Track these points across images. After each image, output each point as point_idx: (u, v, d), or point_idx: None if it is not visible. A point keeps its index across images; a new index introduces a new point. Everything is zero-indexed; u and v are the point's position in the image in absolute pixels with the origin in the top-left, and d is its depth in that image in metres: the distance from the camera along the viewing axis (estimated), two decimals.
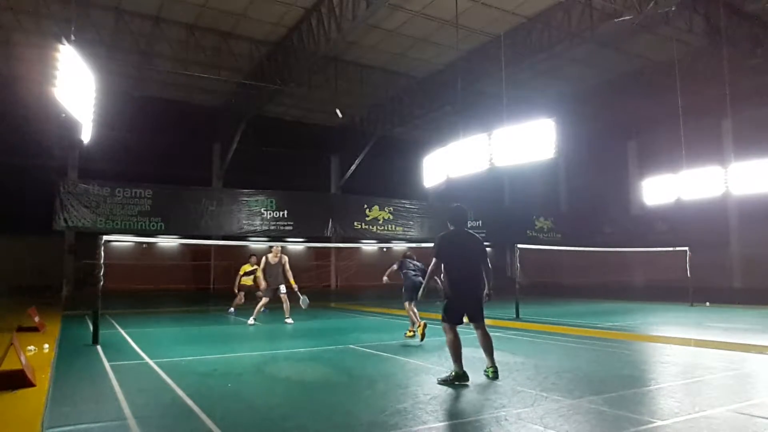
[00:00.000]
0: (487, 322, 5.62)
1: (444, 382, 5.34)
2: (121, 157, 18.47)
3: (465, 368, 5.38)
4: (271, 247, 12.25)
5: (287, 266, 11.58)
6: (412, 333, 8.79)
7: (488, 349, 5.57)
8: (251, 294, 13.89)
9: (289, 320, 11.56)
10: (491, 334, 5.61)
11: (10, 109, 16.53)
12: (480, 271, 5.53)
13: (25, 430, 4.02)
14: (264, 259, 11.87)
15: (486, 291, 5.56)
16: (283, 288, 11.53)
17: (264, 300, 11.61)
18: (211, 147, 22.14)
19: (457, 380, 5.31)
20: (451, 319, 5.49)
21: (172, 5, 14.12)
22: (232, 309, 14.25)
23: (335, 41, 14.04)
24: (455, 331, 5.49)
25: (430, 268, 5.69)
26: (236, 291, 14.24)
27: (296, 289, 11.42)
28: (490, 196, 25.34)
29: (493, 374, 5.52)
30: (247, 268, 14.16)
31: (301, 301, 11.23)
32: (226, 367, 6.52)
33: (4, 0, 13.26)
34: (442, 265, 5.54)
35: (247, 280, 14.16)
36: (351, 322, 12.98)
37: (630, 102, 19.90)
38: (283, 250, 12.21)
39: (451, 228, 5.70)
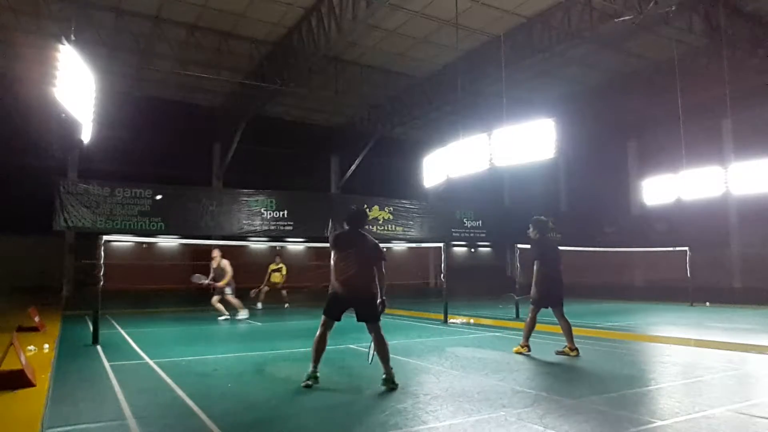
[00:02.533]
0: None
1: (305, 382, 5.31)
2: (121, 157, 18.45)
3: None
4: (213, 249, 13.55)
5: (224, 267, 13.02)
6: (527, 349, 7.34)
7: (382, 356, 5.31)
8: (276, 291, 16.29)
9: (243, 315, 12.92)
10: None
11: (10, 109, 16.50)
12: (371, 273, 5.34)
13: (25, 430, 4.02)
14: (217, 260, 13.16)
15: (379, 298, 5.33)
16: (228, 290, 12.82)
17: (216, 298, 13.02)
18: (211, 147, 22.11)
19: (308, 380, 5.27)
20: (327, 314, 5.41)
21: (172, 5, 14.11)
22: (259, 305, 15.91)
23: (335, 41, 14.03)
24: (323, 329, 5.38)
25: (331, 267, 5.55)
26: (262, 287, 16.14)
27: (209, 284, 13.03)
28: (490, 196, 25.32)
29: (386, 383, 5.18)
30: (273, 266, 16.35)
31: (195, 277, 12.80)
32: (226, 367, 6.53)
33: (4, 0, 13.25)
34: (333, 261, 5.43)
35: (277, 277, 16.28)
36: (351, 322, 12.94)
37: (630, 102, 19.89)
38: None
39: (346, 228, 5.65)
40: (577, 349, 7.07)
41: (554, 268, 7.24)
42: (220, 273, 13.02)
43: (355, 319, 5.42)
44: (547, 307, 7.23)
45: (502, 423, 4.05)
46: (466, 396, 4.90)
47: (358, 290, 5.31)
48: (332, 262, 5.44)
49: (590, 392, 5.01)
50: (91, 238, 9.68)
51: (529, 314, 7.31)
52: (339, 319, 5.43)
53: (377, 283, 5.34)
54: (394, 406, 4.57)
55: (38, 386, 5.33)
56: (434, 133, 22.59)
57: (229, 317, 12.86)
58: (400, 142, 24.23)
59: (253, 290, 15.56)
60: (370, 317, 5.35)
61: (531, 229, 7.44)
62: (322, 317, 5.45)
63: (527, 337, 7.30)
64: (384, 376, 5.25)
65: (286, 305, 16.01)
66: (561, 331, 7.29)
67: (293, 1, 13.91)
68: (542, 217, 7.53)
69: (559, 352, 7.17)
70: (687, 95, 14.78)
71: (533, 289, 7.22)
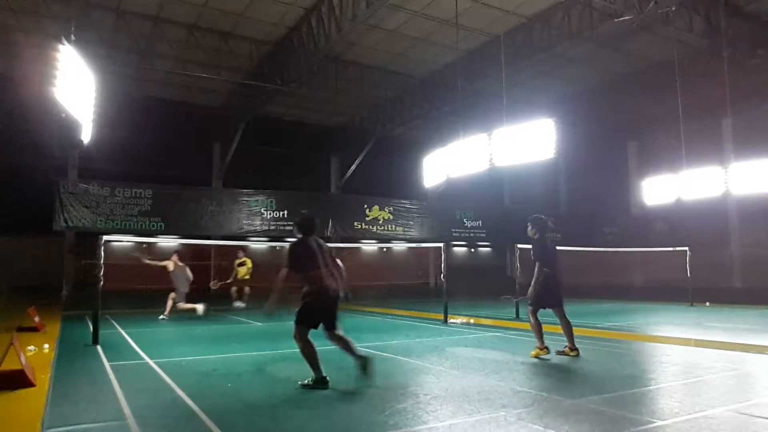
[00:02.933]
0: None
1: (305, 386, 5.25)
2: (121, 157, 18.45)
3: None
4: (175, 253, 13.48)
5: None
6: (545, 351, 7.08)
7: (350, 349, 5.39)
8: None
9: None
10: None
11: (10, 109, 16.51)
12: (335, 275, 5.43)
13: (25, 430, 4.02)
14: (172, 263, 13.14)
15: (343, 293, 5.41)
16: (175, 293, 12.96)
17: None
18: (211, 147, 22.12)
19: (318, 385, 5.22)
20: (308, 324, 5.30)
21: (172, 5, 14.12)
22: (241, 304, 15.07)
23: (335, 41, 14.04)
24: (306, 338, 5.29)
25: (279, 276, 5.35)
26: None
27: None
28: (490, 196, 25.33)
29: (363, 365, 5.30)
30: (237, 261, 15.12)
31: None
32: (226, 367, 6.53)
33: (4, 0, 13.26)
34: (303, 273, 5.31)
35: (242, 271, 14.99)
36: (351, 322, 12.98)
37: (630, 102, 19.90)
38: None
39: (300, 236, 5.52)
40: (577, 349, 7.05)
41: (555, 267, 7.11)
42: (176, 275, 13.02)
43: (323, 327, 5.39)
44: (545, 308, 7.12)
45: (502, 423, 4.05)
46: (466, 396, 4.90)
47: (332, 293, 5.33)
48: (301, 271, 5.31)
49: (590, 392, 5.01)
50: (91, 238, 9.68)
51: (530, 317, 7.14)
52: (316, 328, 5.36)
53: (339, 282, 5.45)
54: (394, 406, 4.56)
55: (38, 386, 5.33)
56: (434, 133, 22.59)
57: (199, 312, 12.91)
58: (400, 142, 24.24)
59: (212, 282, 14.91)
60: (334, 321, 5.37)
61: (530, 228, 7.33)
62: (297, 327, 5.30)
63: (541, 339, 7.06)
64: (360, 364, 5.31)
65: (243, 305, 14.85)
66: (561, 331, 7.26)
67: (293, 1, 13.91)
68: (541, 216, 7.38)
69: (559, 352, 7.15)
70: (687, 95, 14.76)
71: (531, 290, 7.06)
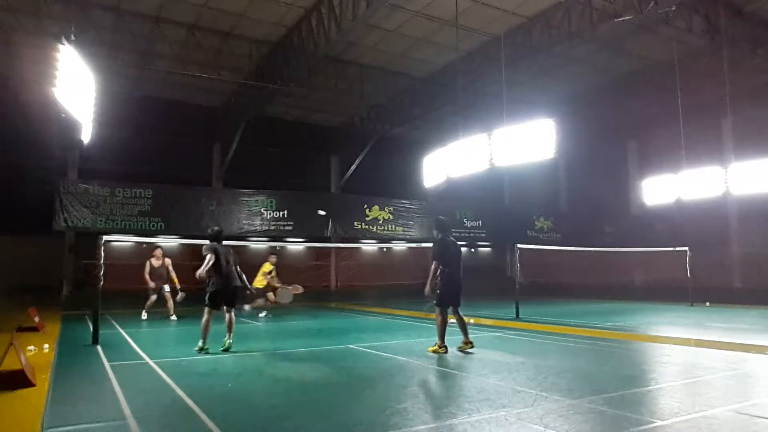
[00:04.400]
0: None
1: (198, 351, 7.32)
2: (121, 157, 18.43)
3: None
4: (156, 249, 13.24)
5: (170, 267, 12.97)
6: (443, 350, 7.29)
7: (230, 328, 7.69)
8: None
9: (173, 317, 12.62)
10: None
11: (10, 109, 16.51)
12: (234, 271, 7.76)
13: (25, 430, 4.03)
14: (148, 262, 12.91)
15: (242, 284, 7.83)
16: (167, 287, 12.81)
17: (152, 298, 12.77)
18: (211, 147, 22.11)
19: (205, 351, 7.34)
20: (216, 306, 7.52)
21: (172, 5, 14.12)
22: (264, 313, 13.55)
23: (335, 41, 14.03)
24: (210, 317, 7.46)
25: (204, 268, 7.39)
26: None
27: (179, 288, 12.82)
28: (490, 196, 25.33)
29: (228, 346, 7.55)
30: (268, 267, 13.42)
31: (179, 297, 12.66)
32: (226, 367, 6.53)
33: (4, 0, 13.26)
34: (214, 267, 7.42)
35: (261, 281, 13.29)
36: (351, 322, 12.99)
37: (630, 102, 19.90)
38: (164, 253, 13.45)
39: (214, 243, 7.64)
40: (471, 342, 7.34)
41: (456, 268, 7.37)
42: (166, 272, 12.81)
43: (225, 307, 7.65)
44: (449, 306, 7.38)
45: (502, 423, 4.05)
46: (466, 396, 4.91)
47: (233, 283, 7.69)
48: (213, 268, 7.40)
49: (590, 392, 5.01)
50: (91, 238, 9.69)
51: (438, 316, 7.36)
52: (219, 308, 7.61)
53: (240, 277, 7.92)
54: (394, 406, 4.57)
55: (38, 386, 5.33)
56: (434, 133, 22.57)
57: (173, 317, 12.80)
58: (400, 142, 24.22)
59: (259, 300, 13.07)
60: (235, 302, 7.82)
61: (433, 229, 7.79)
62: (207, 309, 7.45)
63: (443, 337, 7.32)
64: (228, 342, 7.58)
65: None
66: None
67: (293, 1, 13.91)
68: (444, 218, 7.98)
69: (460, 349, 7.35)
70: (687, 95, 14.76)
71: (429, 288, 7.29)
